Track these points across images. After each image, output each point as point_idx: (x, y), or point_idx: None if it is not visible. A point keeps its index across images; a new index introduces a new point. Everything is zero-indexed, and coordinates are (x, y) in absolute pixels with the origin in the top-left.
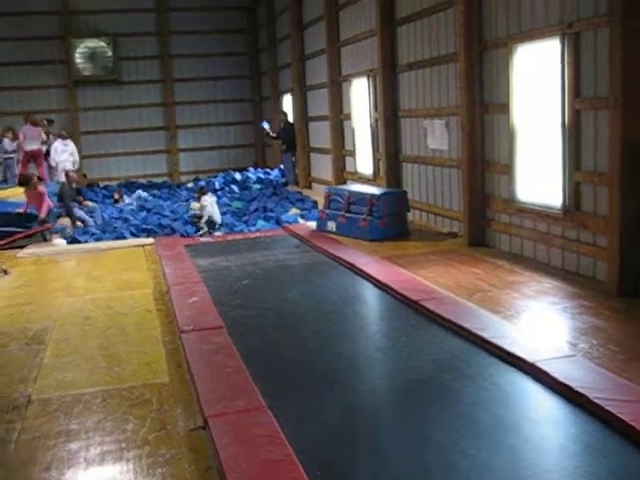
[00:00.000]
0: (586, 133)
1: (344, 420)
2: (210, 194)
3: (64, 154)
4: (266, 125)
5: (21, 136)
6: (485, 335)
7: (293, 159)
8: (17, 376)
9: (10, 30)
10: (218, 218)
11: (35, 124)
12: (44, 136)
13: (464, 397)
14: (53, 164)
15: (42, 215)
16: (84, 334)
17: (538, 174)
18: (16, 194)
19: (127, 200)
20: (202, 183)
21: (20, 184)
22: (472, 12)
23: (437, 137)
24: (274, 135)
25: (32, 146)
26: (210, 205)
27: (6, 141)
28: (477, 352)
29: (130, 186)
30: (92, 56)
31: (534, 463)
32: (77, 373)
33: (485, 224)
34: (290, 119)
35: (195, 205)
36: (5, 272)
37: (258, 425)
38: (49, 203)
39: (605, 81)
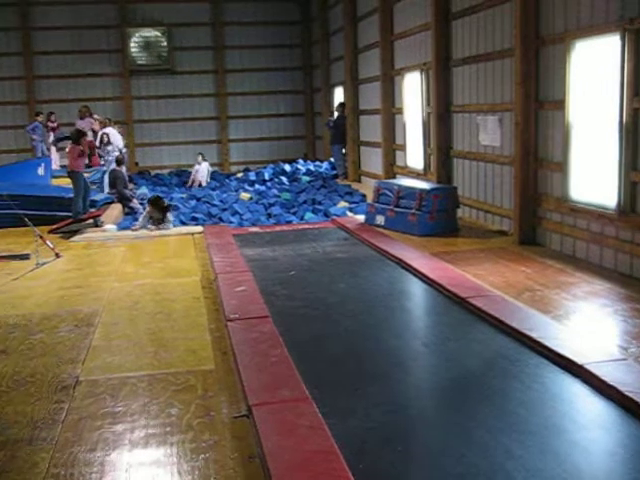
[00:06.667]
0: None
1: (387, 415)
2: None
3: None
4: None
5: None
6: (533, 335)
7: (343, 151)
8: (66, 357)
9: (68, 19)
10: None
11: (82, 116)
12: (96, 127)
13: (510, 397)
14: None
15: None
16: (132, 319)
17: (593, 173)
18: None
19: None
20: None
21: (73, 139)
22: (529, 7)
23: (489, 133)
24: (330, 124)
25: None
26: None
27: (39, 125)
28: (525, 352)
29: (181, 174)
30: (147, 46)
31: (581, 468)
32: (124, 356)
33: (536, 222)
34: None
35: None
36: (57, 255)
37: (302, 416)
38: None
39: None
